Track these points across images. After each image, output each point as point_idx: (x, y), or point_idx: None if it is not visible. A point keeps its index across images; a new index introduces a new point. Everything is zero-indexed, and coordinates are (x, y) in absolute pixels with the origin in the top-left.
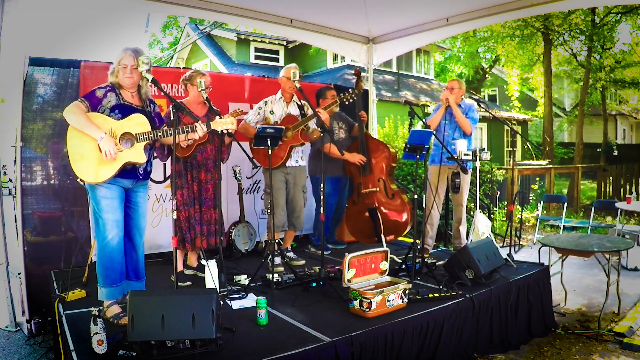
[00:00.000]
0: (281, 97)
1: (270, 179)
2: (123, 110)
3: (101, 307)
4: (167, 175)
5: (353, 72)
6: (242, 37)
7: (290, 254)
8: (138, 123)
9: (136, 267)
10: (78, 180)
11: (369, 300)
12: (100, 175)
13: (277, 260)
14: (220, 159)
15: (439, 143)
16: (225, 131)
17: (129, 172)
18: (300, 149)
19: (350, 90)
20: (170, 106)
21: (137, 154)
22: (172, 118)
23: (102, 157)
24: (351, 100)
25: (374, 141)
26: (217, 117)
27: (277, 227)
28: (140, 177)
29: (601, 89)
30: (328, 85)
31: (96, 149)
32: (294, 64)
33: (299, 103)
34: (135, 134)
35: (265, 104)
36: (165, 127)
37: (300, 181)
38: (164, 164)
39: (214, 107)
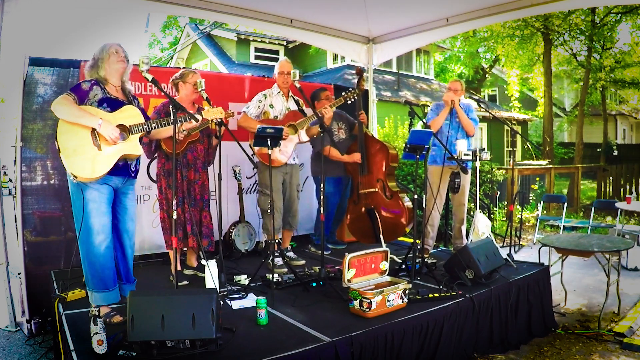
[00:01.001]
0: (279, 92)
1: (271, 180)
2: (111, 103)
3: (92, 308)
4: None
5: (354, 71)
6: (242, 37)
7: (290, 254)
8: (131, 115)
9: (127, 270)
10: (71, 178)
11: (369, 300)
12: (97, 170)
13: (279, 261)
14: (207, 160)
15: (440, 144)
16: (218, 120)
17: (121, 168)
18: (297, 145)
19: (351, 89)
20: (170, 105)
21: (133, 146)
22: (170, 116)
23: (98, 150)
24: (353, 99)
25: (373, 141)
26: (207, 107)
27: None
28: (132, 175)
29: (601, 89)
30: (322, 86)
31: (90, 142)
32: (285, 57)
33: (295, 98)
34: (129, 126)
35: (265, 97)
36: (162, 119)
37: (296, 180)
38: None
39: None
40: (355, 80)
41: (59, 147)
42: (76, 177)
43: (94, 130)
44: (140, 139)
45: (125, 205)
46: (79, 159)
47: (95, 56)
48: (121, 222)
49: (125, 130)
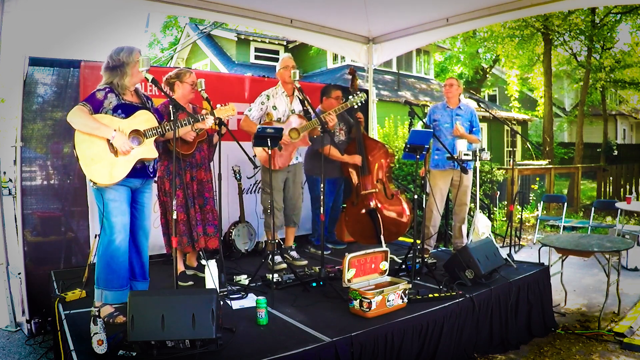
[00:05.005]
0: (283, 92)
1: (271, 180)
2: (126, 109)
3: (95, 308)
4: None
5: (347, 71)
6: (242, 37)
7: (293, 253)
8: (145, 119)
9: (142, 268)
10: (91, 185)
11: (369, 300)
12: (115, 176)
13: (278, 258)
14: (210, 158)
15: (442, 147)
16: (224, 119)
17: (138, 171)
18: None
19: (357, 93)
20: (170, 105)
21: (148, 150)
22: (171, 117)
23: (115, 156)
24: (360, 104)
25: (371, 141)
26: (218, 105)
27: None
28: (151, 175)
29: (601, 89)
30: (336, 84)
31: (107, 149)
32: (288, 54)
33: (301, 97)
34: (144, 131)
35: (268, 99)
36: (168, 122)
37: (300, 178)
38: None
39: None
40: (350, 80)
41: (77, 156)
42: (95, 184)
43: None
44: (156, 140)
45: (143, 203)
46: (98, 166)
47: (120, 59)
48: (138, 220)
49: (140, 135)
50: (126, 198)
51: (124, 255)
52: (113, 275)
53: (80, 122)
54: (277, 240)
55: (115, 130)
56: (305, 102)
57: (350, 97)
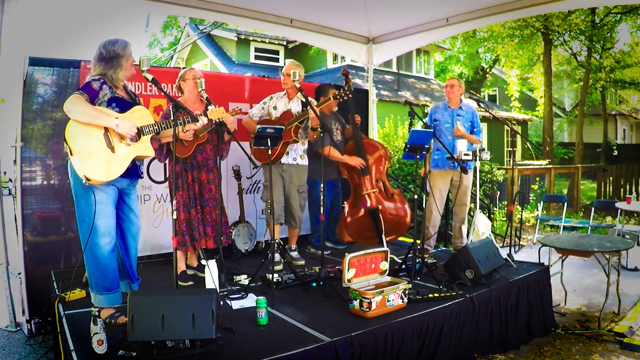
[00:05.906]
0: (285, 94)
1: (270, 177)
2: (120, 103)
3: (95, 308)
4: (167, 175)
5: (341, 72)
6: (242, 37)
7: (294, 254)
8: (142, 115)
9: (130, 270)
10: (84, 182)
11: (369, 300)
12: (112, 173)
13: (276, 257)
14: (219, 155)
15: (442, 147)
16: (220, 120)
17: (130, 170)
18: (300, 147)
19: (345, 87)
20: (170, 105)
21: (145, 147)
22: (171, 117)
23: (112, 152)
24: (345, 98)
25: (368, 142)
26: (210, 106)
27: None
28: (140, 176)
29: (601, 89)
30: (329, 83)
31: (103, 144)
32: (291, 60)
33: (303, 100)
34: (140, 127)
35: (270, 99)
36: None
37: (297, 180)
38: (164, 164)
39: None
40: (344, 81)
41: (70, 150)
42: (89, 180)
43: (106, 131)
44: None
45: (130, 205)
46: (94, 162)
47: (116, 51)
48: (126, 222)
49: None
50: (113, 200)
51: (110, 258)
52: (101, 279)
53: (80, 110)
54: (277, 240)
55: (117, 117)
56: (311, 104)
57: (335, 91)
